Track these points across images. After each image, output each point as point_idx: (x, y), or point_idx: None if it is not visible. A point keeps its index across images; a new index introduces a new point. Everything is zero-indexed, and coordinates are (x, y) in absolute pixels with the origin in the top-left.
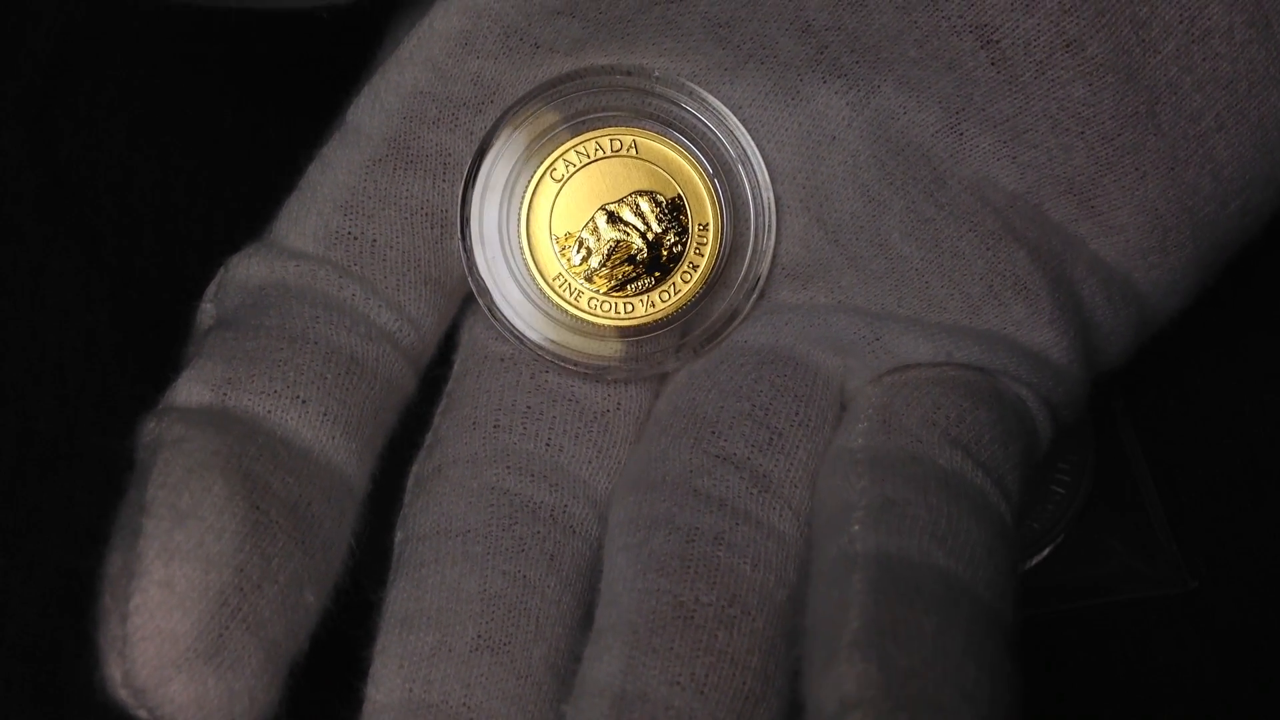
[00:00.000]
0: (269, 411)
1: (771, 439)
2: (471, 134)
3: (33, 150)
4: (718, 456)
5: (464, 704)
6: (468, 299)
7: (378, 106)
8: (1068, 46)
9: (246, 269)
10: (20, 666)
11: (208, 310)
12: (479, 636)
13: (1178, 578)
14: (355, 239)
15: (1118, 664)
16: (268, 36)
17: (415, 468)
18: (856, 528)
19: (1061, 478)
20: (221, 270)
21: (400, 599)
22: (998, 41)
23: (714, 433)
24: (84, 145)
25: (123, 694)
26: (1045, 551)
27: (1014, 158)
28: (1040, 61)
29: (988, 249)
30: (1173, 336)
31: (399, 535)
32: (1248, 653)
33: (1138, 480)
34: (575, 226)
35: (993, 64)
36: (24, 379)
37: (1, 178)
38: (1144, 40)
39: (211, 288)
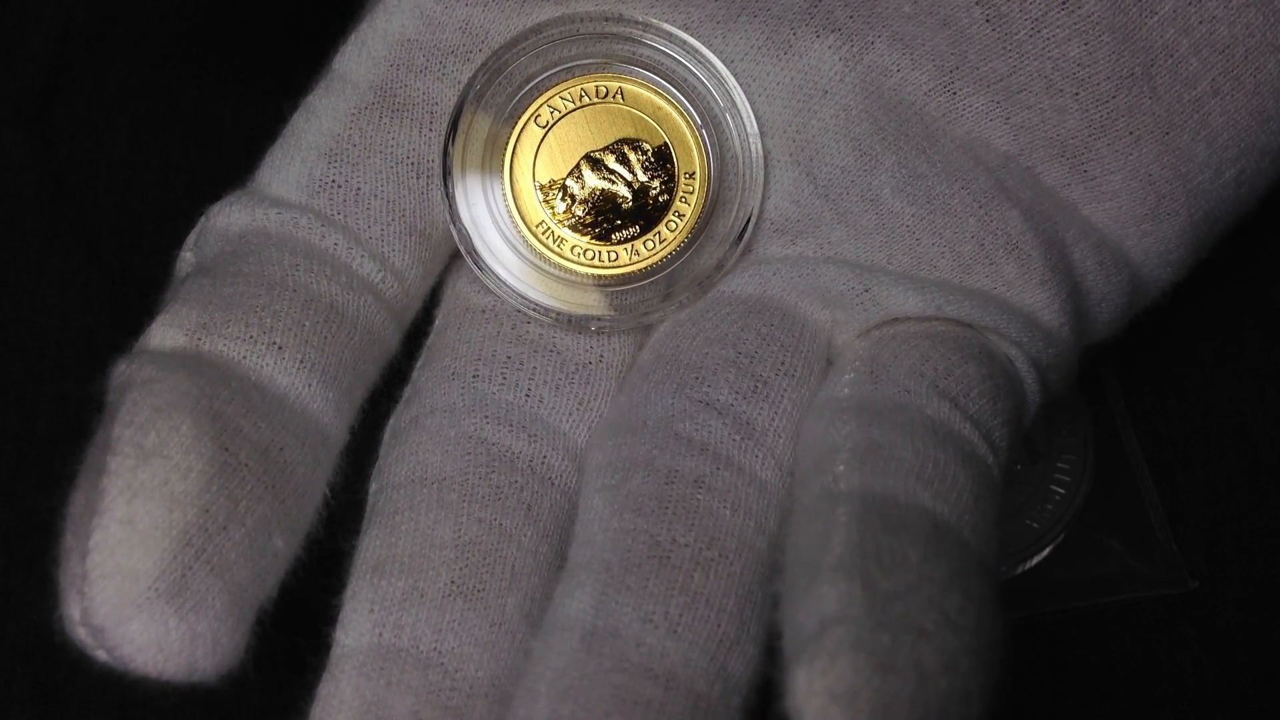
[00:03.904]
0: (243, 356)
1: (756, 386)
2: (459, 83)
3: (33, 150)
4: (701, 402)
5: (435, 649)
6: (454, 256)
7: (365, 54)
8: (1064, 4)
9: (227, 217)
10: (20, 666)
11: (187, 259)
12: (452, 583)
13: (1178, 578)
14: (339, 187)
15: (1118, 664)
16: (268, 36)
17: (393, 420)
18: (841, 468)
19: (1061, 478)
20: (202, 219)
21: (373, 546)
22: None
23: (698, 378)
24: (84, 145)
25: (81, 633)
26: (1045, 551)
27: (1007, 118)
28: (1036, 19)
29: (980, 207)
30: (1174, 336)
31: (373, 485)
32: (1248, 653)
33: (1138, 480)
34: (559, 174)
35: (987, 21)
36: (24, 379)
37: (1, 178)
38: None
39: (192, 236)
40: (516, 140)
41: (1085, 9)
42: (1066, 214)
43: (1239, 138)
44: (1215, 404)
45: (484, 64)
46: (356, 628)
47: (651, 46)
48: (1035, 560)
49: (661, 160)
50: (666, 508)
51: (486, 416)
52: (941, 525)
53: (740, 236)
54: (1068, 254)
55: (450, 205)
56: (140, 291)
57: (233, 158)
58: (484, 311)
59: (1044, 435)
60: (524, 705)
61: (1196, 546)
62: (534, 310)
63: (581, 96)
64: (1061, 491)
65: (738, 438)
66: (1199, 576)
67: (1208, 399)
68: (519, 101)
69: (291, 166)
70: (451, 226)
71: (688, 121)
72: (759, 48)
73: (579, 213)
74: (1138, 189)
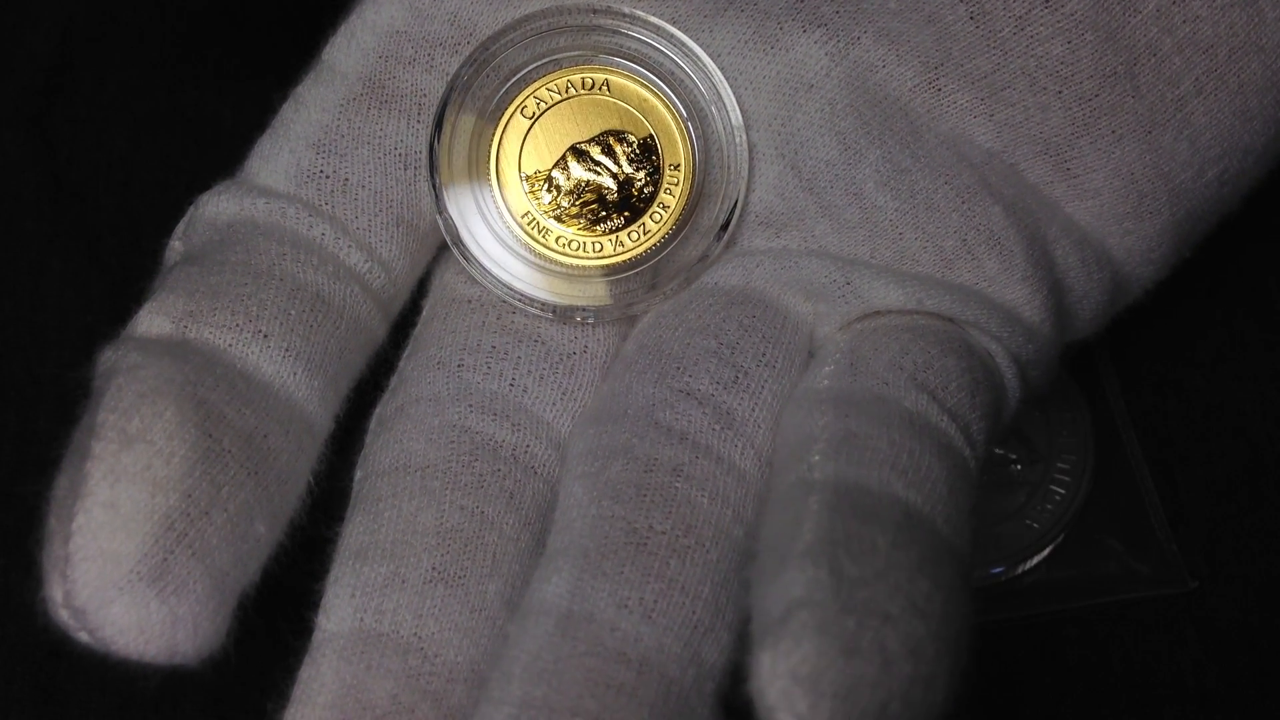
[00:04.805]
0: (229, 344)
1: (737, 377)
2: (448, 74)
3: (33, 150)
4: (681, 391)
5: (415, 634)
6: (442, 247)
7: (354, 45)
8: (1047, 2)
9: (216, 206)
10: (20, 666)
11: (175, 247)
12: (433, 569)
13: (1178, 578)
14: (327, 178)
15: (1118, 664)
16: (268, 36)
17: (378, 409)
18: (816, 457)
19: (1061, 478)
20: (191, 208)
21: (355, 532)
22: None
23: (679, 368)
24: (84, 145)
25: (63, 615)
26: (1045, 551)
27: (991, 115)
28: (1019, 17)
29: (963, 203)
30: (1174, 336)
31: (358, 473)
32: (1248, 653)
33: (1138, 480)
34: (545, 165)
35: (972, 18)
36: (24, 379)
37: (1, 178)
38: None
39: (181, 225)
40: (502, 132)
41: (1068, 7)
42: (1049, 211)
43: (1222, 137)
44: (1215, 404)
45: (470, 56)
46: (338, 613)
47: (637, 39)
48: (1035, 560)
49: (647, 152)
50: (645, 495)
51: (471, 405)
52: (914, 514)
53: (725, 228)
54: (1049, 250)
55: (436, 196)
56: (140, 292)
57: (233, 157)
58: (470, 302)
59: (1044, 435)
60: (498, 687)
61: (1196, 546)
62: (519, 301)
63: (567, 88)
64: (1061, 491)
65: (717, 427)
66: (1199, 576)
67: (1208, 399)
68: (505, 93)
69: (280, 156)
70: (438, 217)
71: (673, 114)
72: (745, 41)
73: (564, 204)
74: (1120, 187)
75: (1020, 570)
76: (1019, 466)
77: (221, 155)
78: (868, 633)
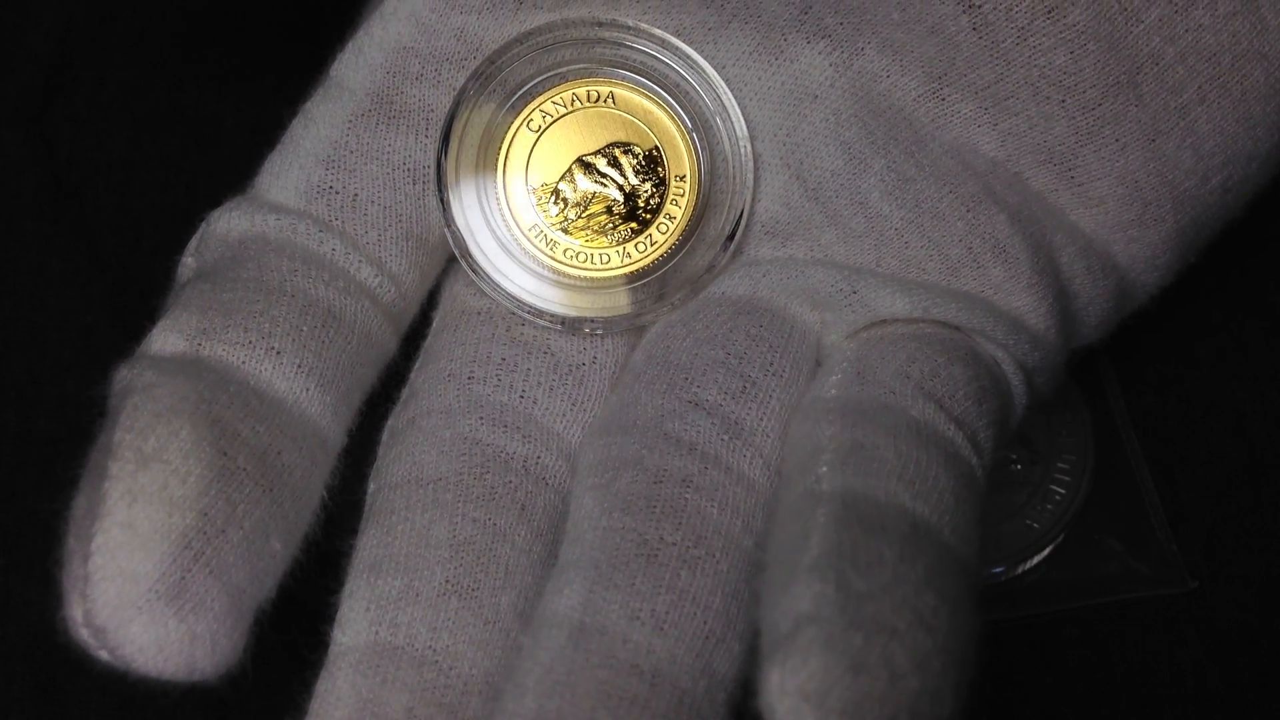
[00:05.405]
0: (242, 361)
1: (745, 387)
2: (455, 89)
3: (33, 150)
4: (689, 402)
5: (430, 647)
6: (451, 260)
7: (361, 61)
8: (1049, 13)
9: (227, 223)
10: (20, 666)
11: (188, 264)
12: (447, 581)
13: (1178, 578)
14: (337, 193)
15: (1118, 664)
16: (268, 36)
17: (390, 421)
18: (824, 468)
19: (1061, 478)
20: (202, 224)
21: (369, 545)
22: (979, 6)
23: (687, 379)
24: (84, 145)
25: (84, 634)
26: (1045, 551)
27: (995, 124)
28: (1021, 27)
29: (968, 211)
30: (1174, 336)
31: (371, 486)
32: (1248, 653)
33: (1138, 480)
34: (552, 178)
35: (974, 29)
36: (24, 379)
37: (1, 178)
38: (1126, 8)
39: (192, 242)
40: (509, 145)
41: (1071, 18)
42: (1054, 219)
43: (1225, 144)
44: (1215, 404)
45: (476, 70)
46: (353, 626)
47: (642, 51)
48: (1035, 560)
49: (652, 163)
50: (655, 506)
51: (481, 417)
52: (921, 526)
53: (731, 238)
54: (1055, 258)
55: (444, 210)
56: (140, 292)
57: (233, 158)
58: (479, 314)
59: (1044, 435)
60: (512, 700)
61: (1196, 546)
62: (528, 313)
63: (573, 101)
64: (1061, 491)
65: (726, 437)
66: (1199, 576)
67: (1208, 399)
68: (511, 106)
69: (290, 173)
70: (446, 231)
71: (678, 125)
72: (750, 53)
73: (571, 216)
74: (1124, 195)
75: (1020, 570)
76: (1019, 466)
77: (221, 156)
78: (875, 648)
